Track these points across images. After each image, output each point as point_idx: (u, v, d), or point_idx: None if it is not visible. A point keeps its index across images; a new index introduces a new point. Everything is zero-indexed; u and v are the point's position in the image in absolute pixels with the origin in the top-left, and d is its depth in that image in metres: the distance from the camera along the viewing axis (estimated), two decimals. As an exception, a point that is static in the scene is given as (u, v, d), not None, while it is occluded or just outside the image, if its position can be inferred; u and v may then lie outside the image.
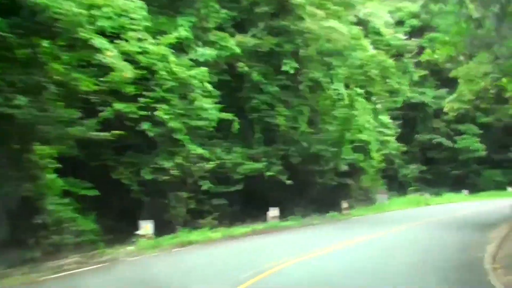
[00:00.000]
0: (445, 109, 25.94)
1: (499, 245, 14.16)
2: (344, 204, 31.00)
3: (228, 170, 23.76)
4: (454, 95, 24.93)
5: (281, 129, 24.95)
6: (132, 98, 18.30)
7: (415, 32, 56.35)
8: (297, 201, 27.29)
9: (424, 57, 17.17)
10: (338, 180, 32.40)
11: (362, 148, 35.38)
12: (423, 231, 20.09)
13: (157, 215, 19.54)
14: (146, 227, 16.56)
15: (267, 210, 23.82)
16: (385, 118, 45.70)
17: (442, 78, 56.87)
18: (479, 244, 15.06)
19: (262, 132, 25.04)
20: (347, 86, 33.13)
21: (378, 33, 45.65)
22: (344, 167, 32.45)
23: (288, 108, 25.63)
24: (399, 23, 56.72)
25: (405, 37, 51.35)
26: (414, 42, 52.21)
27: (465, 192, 50.22)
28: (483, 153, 54.82)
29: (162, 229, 19.02)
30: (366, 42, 35.17)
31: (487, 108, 24.75)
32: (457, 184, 54.90)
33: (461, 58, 15.30)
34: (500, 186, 55.92)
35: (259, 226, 21.64)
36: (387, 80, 35.13)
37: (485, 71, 21.56)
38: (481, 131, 55.98)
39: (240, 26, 26.14)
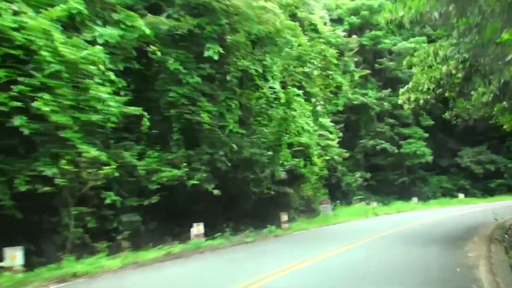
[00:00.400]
0: (399, 101, 22.69)
1: (490, 269, 10.74)
2: (284, 217, 27.51)
3: (141, 178, 19.74)
4: (409, 85, 21.70)
5: (205, 128, 21.07)
6: (3, 86, 14.14)
7: (354, 31, 54.09)
8: (228, 214, 23.62)
9: (384, 16, 13.60)
10: (276, 189, 28.93)
11: (302, 153, 32.09)
12: (382, 250, 16.24)
13: (41, 238, 15.48)
14: (13, 256, 12.40)
15: (191, 226, 19.97)
16: (327, 121, 42.70)
17: (384, 79, 54.97)
18: (464, 267, 11.48)
19: (183, 132, 21.11)
20: (284, 85, 29.92)
21: (315, 30, 42.74)
22: (282, 174, 29.05)
23: (214, 104, 21.83)
24: (338, 20, 54.24)
25: (344, 34, 48.64)
26: (354, 40, 49.61)
27: (414, 200, 47.82)
28: (430, 158, 52.75)
29: (49, 256, 14.98)
30: (303, 38, 31.96)
31: (452, 97, 21.40)
32: (404, 191, 52.84)
33: (435, 15, 11.92)
34: (448, 193, 54.28)
35: (176, 248, 17.67)
36: (329, 72, 31.89)
37: (446, 53, 18.41)
38: (426, 135, 54.06)
39: (155, 9, 22.29)
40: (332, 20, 48.94)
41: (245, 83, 25.70)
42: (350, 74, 48.70)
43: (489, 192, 55.30)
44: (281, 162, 28.62)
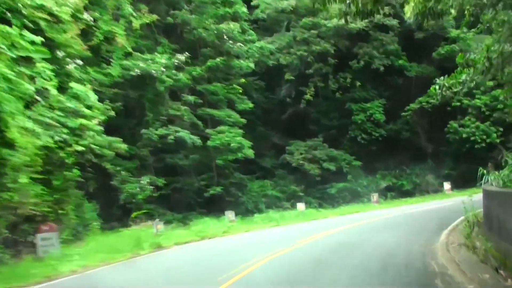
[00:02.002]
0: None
1: None
2: None
3: None
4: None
5: None
6: None
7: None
8: None
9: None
10: None
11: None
12: None
13: None
14: None
15: None
16: (87, 92, 26.09)
17: (182, 40, 39.60)
18: None
19: None
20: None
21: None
22: None
23: None
24: None
25: None
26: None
27: (230, 216, 32.55)
28: (250, 153, 38.37)
29: None
30: None
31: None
32: (215, 203, 38.16)
33: None
34: (274, 204, 40.95)
35: None
36: None
37: None
38: (243, 121, 39.63)
39: None
40: None
41: None
42: (126, 22, 32.84)
43: (327, 200, 42.85)
44: None
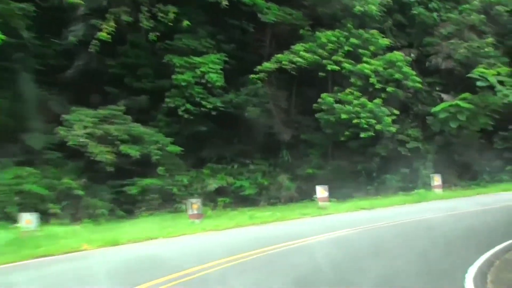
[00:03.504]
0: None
1: None
2: None
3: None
4: None
5: None
6: None
7: None
8: None
9: None
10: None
11: None
12: None
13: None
14: None
15: None
16: None
17: None
18: None
19: None
20: None
21: None
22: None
23: None
24: None
25: None
26: None
27: None
28: None
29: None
30: None
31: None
32: None
33: None
34: (36, 207, 24.95)
35: None
36: None
37: None
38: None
39: None
40: None
41: None
42: None
43: (124, 205, 28.98)
44: None
